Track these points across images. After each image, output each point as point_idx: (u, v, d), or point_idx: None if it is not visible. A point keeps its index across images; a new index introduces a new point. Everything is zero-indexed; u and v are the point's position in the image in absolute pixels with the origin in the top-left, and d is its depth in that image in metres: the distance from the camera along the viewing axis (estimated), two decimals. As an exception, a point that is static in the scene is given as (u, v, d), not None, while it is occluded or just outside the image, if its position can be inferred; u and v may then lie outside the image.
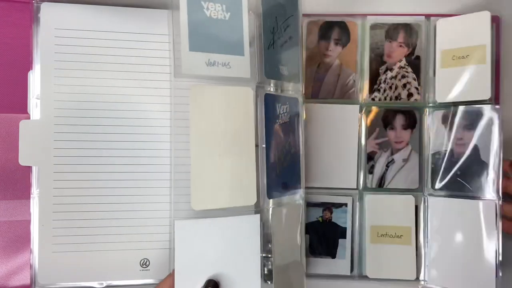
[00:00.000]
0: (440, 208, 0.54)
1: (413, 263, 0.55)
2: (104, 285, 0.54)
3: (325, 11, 0.57)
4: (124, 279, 0.54)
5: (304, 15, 0.56)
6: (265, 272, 0.56)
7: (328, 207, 0.57)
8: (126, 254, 0.54)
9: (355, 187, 0.57)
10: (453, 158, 0.54)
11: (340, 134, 0.56)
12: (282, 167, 0.50)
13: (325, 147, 0.56)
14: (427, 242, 0.55)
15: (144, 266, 0.54)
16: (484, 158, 0.52)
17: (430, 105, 0.56)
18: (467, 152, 0.53)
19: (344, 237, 0.56)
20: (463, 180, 0.53)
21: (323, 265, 0.57)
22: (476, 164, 0.53)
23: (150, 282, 0.54)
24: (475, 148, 0.53)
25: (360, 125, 0.56)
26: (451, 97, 0.53)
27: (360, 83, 0.57)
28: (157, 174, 0.54)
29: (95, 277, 0.53)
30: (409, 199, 0.56)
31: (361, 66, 0.57)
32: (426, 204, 0.55)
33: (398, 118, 0.56)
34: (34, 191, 0.53)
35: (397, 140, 0.56)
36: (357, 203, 0.56)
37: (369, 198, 0.56)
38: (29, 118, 0.53)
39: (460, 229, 0.53)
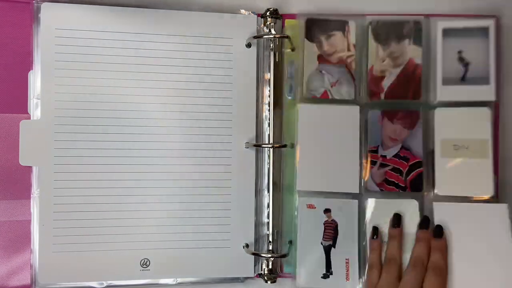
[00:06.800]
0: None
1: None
2: (104, 285, 0.54)
3: (324, 10, 0.57)
4: (124, 279, 0.54)
5: (302, 14, 0.56)
6: (265, 272, 0.56)
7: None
8: (126, 254, 0.54)
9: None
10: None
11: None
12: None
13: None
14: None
15: (144, 266, 0.54)
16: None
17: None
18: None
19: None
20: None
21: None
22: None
23: (150, 282, 0.55)
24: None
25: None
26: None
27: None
28: (157, 174, 0.54)
29: (95, 277, 0.53)
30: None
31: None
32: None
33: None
34: (35, 191, 0.53)
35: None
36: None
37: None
38: (29, 118, 0.53)
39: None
